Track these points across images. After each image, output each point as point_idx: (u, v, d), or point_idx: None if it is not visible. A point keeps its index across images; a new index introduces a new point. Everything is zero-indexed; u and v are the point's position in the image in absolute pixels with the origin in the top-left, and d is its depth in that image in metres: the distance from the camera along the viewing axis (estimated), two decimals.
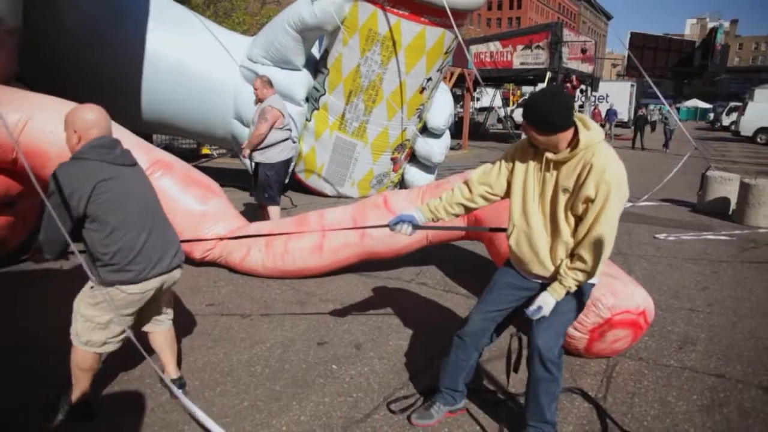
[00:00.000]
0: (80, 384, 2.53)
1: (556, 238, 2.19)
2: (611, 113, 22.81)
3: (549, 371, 2.20)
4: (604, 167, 2.02)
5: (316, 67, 7.71)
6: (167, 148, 11.70)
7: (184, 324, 3.28)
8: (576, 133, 2.08)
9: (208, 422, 2.49)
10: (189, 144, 13.44)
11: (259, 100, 5.40)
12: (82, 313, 2.41)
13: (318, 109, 7.67)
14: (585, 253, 2.09)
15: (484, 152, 16.58)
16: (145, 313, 2.64)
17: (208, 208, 4.56)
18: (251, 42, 7.51)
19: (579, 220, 2.12)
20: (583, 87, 21.20)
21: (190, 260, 4.39)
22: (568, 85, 18.54)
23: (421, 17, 6.94)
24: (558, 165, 2.14)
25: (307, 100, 7.63)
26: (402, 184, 8.76)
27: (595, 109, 23.65)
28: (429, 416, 2.59)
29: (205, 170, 5.74)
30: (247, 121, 7.36)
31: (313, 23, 6.87)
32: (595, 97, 24.79)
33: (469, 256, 5.31)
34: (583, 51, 19.89)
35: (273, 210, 5.49)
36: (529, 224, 2.25)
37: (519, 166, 2.29)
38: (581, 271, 2.12)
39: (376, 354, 3.32)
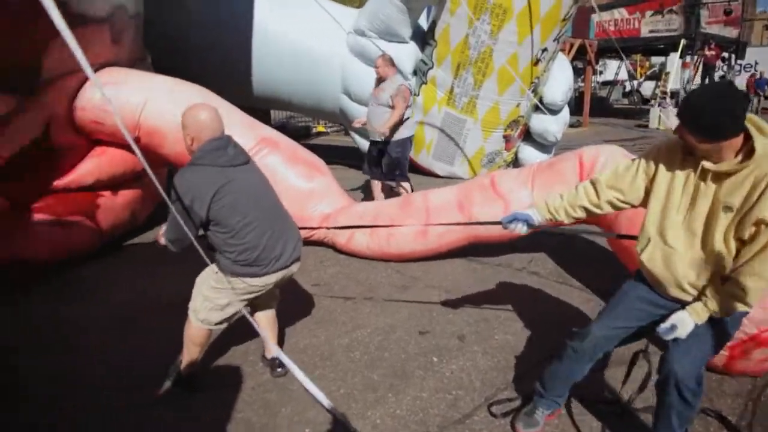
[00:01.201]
0: (190, 356, 2.65)
1: (706, 262, 1.84)
2: (762, 83, 20.02)
3: (685, 400, 1.90)
4: None
5: (424, 39, 7.51)
6: (283, 126, 12.13)
7: (289, 304, 3.31)
8: (747, 139, 1.70)
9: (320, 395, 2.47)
10: (305, 122, 13.77)
11: (380, 79, 5.40)
12: (204, 293, 2.53)
13: (426, 83, 7.49)
14: (746, 280, 1.73)
15: (606, 129, 15.45)
16: (259, 298, 2.71)
17: (313, 186, 4.60)
18: (358, 14, 7.47)
19: (742, 243, 1.76)
20: (725, 55, 18.83)
21: None
22: (707, 53, 16.56)
23: None
24: (719, 177, 1.78)
25: (414, 73, 7.48)
26: (516, 163, 8.38)
27: (751, 77, 20.59)
28: (534, 423, 2.39)
29: (317, 147, 5.83)
30: (355, 96, 7.41)
31: None
32: (740, 65, 21.97)
33: (585, 245, 4.93)
34: (727, 12, 17.52)
35: (405, 186, 5.56)
36: (667, 242, 1.92)
37: (663, 173, 1.95)
38: (736, 298, 1.76)
39: (480, 348, 3.15)
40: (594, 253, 4.73)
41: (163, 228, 2.48)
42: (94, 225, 4.67)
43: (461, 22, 6.88)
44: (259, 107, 11.17)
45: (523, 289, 4.01)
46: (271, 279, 2.52)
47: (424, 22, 7.62)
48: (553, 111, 8.01)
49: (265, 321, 2.86)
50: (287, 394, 2.72)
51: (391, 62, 5.42)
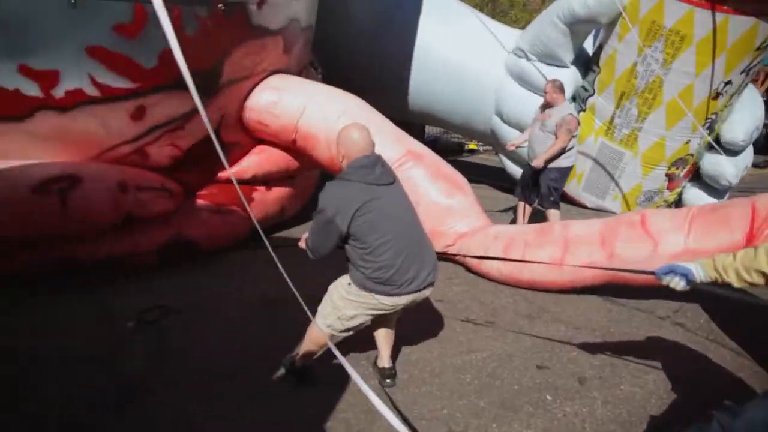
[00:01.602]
0: (307, 353, 2.78)
1: None
2: None
3: None
4: None
5: (587, 64, 7.18)
6: (435, 140, 12.30)
7: (410, 314, 3.31)
8: None
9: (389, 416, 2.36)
10: (458, 138, 13.86)
11: (547, 105, 5.35)
12: (334, 300, 2.63)
13: (584, 110, 7.15)
14: None
15: None
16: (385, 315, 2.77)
17: (452, 203, 4.60)
18: (519, 36, 7.35)
19: None
20: None
21: None
22: None
23: (724, 5, 5.84)
24: None
25: (573, 99, 7.19)
26: (678, 204, 7.59)
27: None
28: None
29: (467, 165, 5.83)
30: (507, 118, 7.30)
31: (584, 15, 6.37)
32: None
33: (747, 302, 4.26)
34: None
35: (554, 214, 5.46)
36: None
37: None
38: None
39: (602, 395, 2.90)
40: (759, 312, 4.11)
41: (306, 234, 2.63)
42: (247, 215, 5.10)
43: (630, 49, 6.48)
44: (412, 121, 11.47)
45: (664, 340, 3.62)
46: (401, 300, 2.55)
47: (589, 47, 7.31)
48: (732, 151, 7.11)
49: (383, 332, 2.92)
50: (390, 404, 2.73)
51: (561, 89, 5.31)
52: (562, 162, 5.28)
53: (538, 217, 5.48)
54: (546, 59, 6.92)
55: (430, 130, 13.49)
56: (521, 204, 5.69)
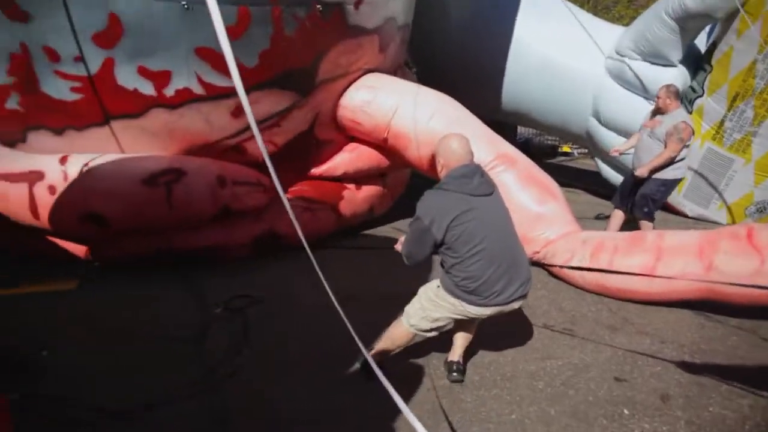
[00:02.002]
0: (384, 350, 2.84)
1: None
2: None
3: None
4: None
5: (698, 62, 6.67)
6: (527, 142, 12.00)
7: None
8: None
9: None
10: (552, 140, 13.42)
11: (658, 111, 5.09)
12: (422, 301, 2.70)
13: (691, 112, 6.63)
14: None
15: None
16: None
17: (543, 210, 4.52)
18: (622, 33, 6.99)
19: None
20: None
21: None
22: None
23: None
24: None
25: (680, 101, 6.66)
26: None
27: None
28: None
29: (560, 168, 5.67)
30: (605, 121, 7.04)
31: (696, 9, 5.92)
32: None
33: None
34: None
35: (646, 225, 5.17)
36: None
37: None
38: None
39: (686, 416, 2.74)
40: None
41: (403, 237, 2.72)
42: (336, 212, 5.26)
43: (749, 46, 5.97)
44: (505, 121, 11.23)
45: (766, 362, 3.31)
46: (486, 311, 2.58)
47: (701, 44, 6.81)
48: None
49: (463, 332, 2.96)
50: (459, 405, 2.75)
51: (676, 94, 5.00)
52: (668, 173, 4.94)
53: (631, 227, 5.20)
54: (651, 58, 6.54)
55: (522, 131, 13.16)
56: (617, 211, 5.44)
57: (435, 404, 2.74)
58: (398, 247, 2.74)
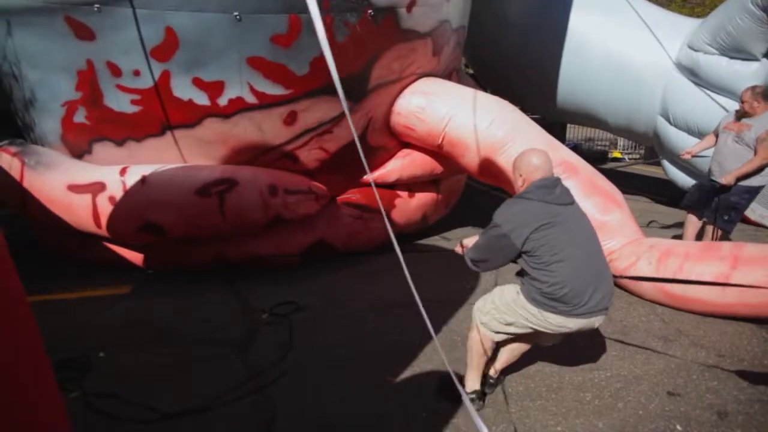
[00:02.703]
0: (473, 369, 2.78)
1: None
2: None
3: None
4: None
5: None
6: (575, 148, 11.75)
7: None
8: None
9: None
10: (602, 146, 13.10)
11: (743, 114, 4.81)
12: (496, 301, 2.68)
13: None
14: None
15: None
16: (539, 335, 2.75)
17: (608, 219, 4.40)
18: (698, 26, 6.62)
19: None
20: None
21: None
22: None
23: None
24: None
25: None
26: None
27: None
28: None
29: (610, 173, 5.51)
30: (675, 120, 6.73)
31: None
32: None
33: None
34: None
35: (724, 236, 4.93)
36: None
37: None
38: None
39: None
40: None
41: (468, 240, 2.73)
42: (389, 220, 5.20)
43: None
44: (557, 121, 10.93)
45: None
46: (569, 323, 2.51)
47: None
48: None
49: (517, 346, 2.86)
50: (503, 416, 2.75)
51: (764, 95, 4.70)
52: (754, 180, 4.69)
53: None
54: (731, 52, 6.15)
55: (571, 136, 12.93)
56: (691, 217, 5.20)
57: (481, 414, 2.73)
58: (458, 249, 2.76)
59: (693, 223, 5.17)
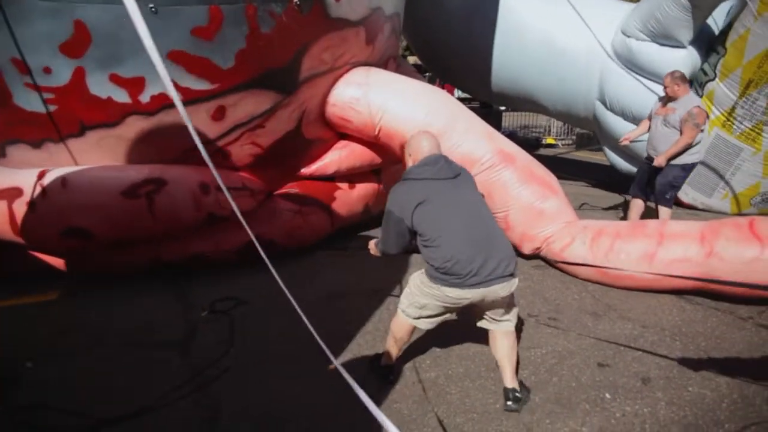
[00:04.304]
0: (390, 349, 2.99)
1: None
2: None
3: None
4: None
5: (710, 44, 6.52)
6: (512, 135, 12.17)
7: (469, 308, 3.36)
8: None
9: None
10: (535, 132, 13.71)
11: (668, 99, 5.17)
12: (411, 287, 2.86)
13: (701, 96, 6.53)
14: None
15: None
16: (476, 311, 2.86)
17: (545, 206, 4.63)
18: (630, 11, 6.86)
19: None
20: None
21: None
22: None
23: None
24: None
25: (690, 84, 6.49)
26: None
27: None
28: None
29: (544, 158, 5.71)
30: (611, 105, 6.99)
31: None
32: None
33: None
34: None
35: (666, 212, 5.28)
36: None
37: None
38: None
39: (666, 396, 2.90)
40: None
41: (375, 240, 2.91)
42: (330, 213, 5.28)
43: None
44: (493, 110, 11.04)
45: (744, 341, 3.52)
46: (467, 294, 2.59)
47: (714, 24, 6.61)
48: None
49: (497, 344, 2.84)
50: (444, 397, 2.89)
51: (683, 79, 5.08)
52: (686, 158, 5.07)
53: (650, 215, 5.34)
54: (660, 39, 6.41)
55: (506, 123, 13.49)
56: (636, 201, 5.54)
57: (421, 396, 2.91)
58: (372, 247, 2.92)
59: (637, 205, 5.50)
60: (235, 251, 4.66)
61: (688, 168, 5.13)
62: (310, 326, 2.25)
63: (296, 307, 2.34)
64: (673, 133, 5.01)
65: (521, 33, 7.33)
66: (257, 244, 2.51)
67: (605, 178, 8.50)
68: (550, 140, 13.76)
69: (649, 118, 5.38)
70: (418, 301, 2.76)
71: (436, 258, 2.57)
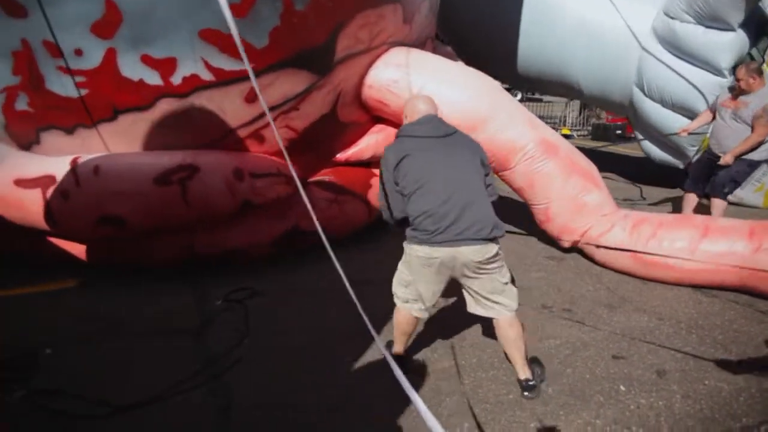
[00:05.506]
0: (395, 339, 2.97)
1: None
2: None
3: None
4: None
5: (762, 28, 6.14)
6: None
7: None
8: None
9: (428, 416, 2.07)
10: (551, 123, 13.67)
11: (740, 91, 4.90)
12: (399, 266, 2.86)
13: None
14: None
15: None
16: (465, 291, 2.80)
17: (588, 200, 4.47)
18: None
19: None
20: None
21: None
22: None
23: None
24: None
25: (734, 69, 6.13)
26: None
27: None
28: None
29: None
30: (650, 92, 6.65)
31: None
32: None
33: None
34: None
35: (720, 206, 5.07)
36: None
37: None
38: None
39: (681, 389, 2.85)
40: None
41: None
42: (367, 203, 5.11)
43: None
44: (534, 90, 10.48)
45: (763, 335, 3.44)
46: (434, 253, 2.53)
47: (766, 5, 6.23)
48: None
49: (502, 333, 2.75)
50: (457, 387, 2.86)
51: (758, 71, 4.81)
52: (755, 154, 4.84)
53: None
54: (707, 21, 6.00)
55: None
56: (690, 195, 5.33)
57: (434, 386, 2.89)
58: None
59: (690, 200, 5.31)
60: (268, 243, 4.48)
61: (754, 165, 4.91)
62: (361, 310, 2.18)
63: (350, 291, 2.27)
64: (743, 128, 4.75)
65: (555, 14, 6.97)
66: (323, 237, 2.41)
67: (622, 169, 8.38)
68: (565, 131, 13.68)
69: (712, 110, 5.12)
70: (402, 278, 2.74)
71: (412, 215, 2.56)
